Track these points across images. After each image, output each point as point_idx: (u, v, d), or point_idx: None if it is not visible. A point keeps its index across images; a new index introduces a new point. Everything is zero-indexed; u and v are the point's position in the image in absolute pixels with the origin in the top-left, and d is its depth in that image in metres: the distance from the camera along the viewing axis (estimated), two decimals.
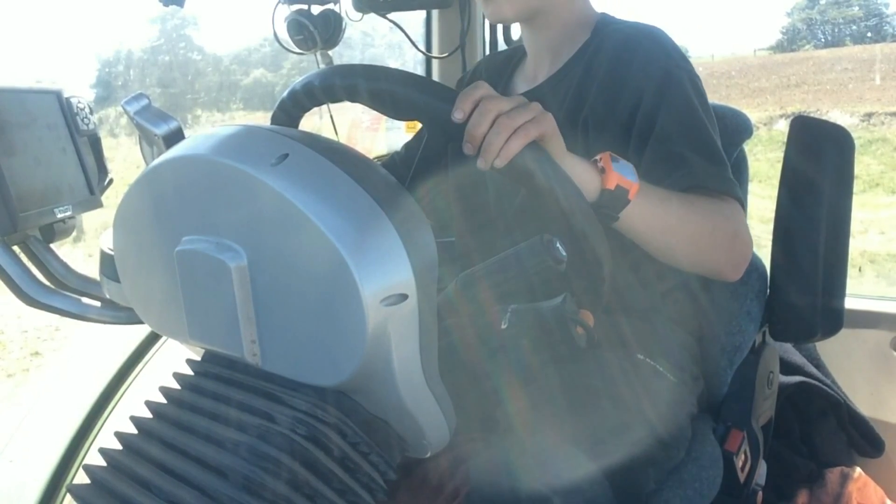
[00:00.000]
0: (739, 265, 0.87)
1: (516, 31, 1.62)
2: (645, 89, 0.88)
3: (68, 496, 1.17)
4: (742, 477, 1.00)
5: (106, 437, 1.23)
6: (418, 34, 1.75)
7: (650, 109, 0.88)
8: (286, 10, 1.42)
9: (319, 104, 0.76)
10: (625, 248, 0.84)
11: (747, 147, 1.14)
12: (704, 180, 0.84)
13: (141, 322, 0.75)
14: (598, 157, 0.75)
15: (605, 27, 0.99)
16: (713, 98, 0.97)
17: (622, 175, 0.73)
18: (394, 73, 0.67)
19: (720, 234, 0.84)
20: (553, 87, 1.00)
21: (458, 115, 0.64)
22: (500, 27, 1.68)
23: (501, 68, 1.12)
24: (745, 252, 0.87)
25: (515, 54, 1.12)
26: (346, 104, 0.73)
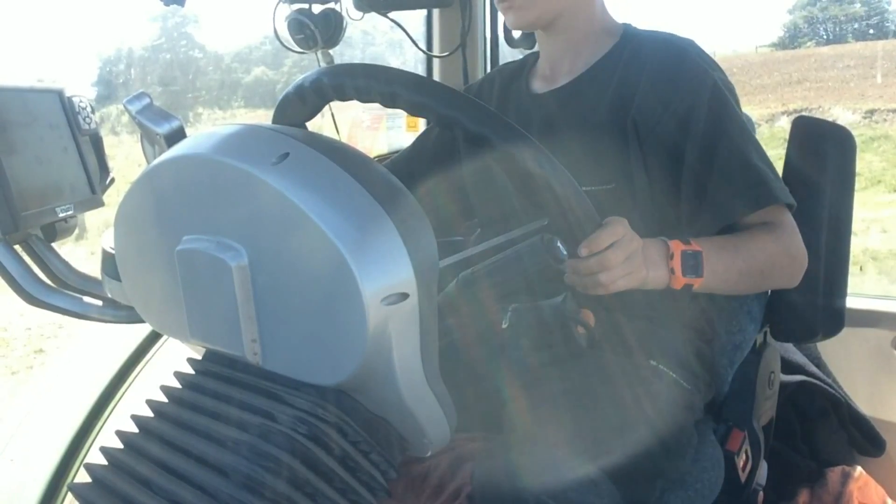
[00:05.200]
0: (795, 278, 0.96)
1: (517, 31, 1.61)
2: (696, 104, 0.93)
3: (69, 495, 1.17)
4: (743, 477, 1.00)
5: (107, 436, 1.23)
6: (419, 33, 1.75)
7: (706, 124, 0.93)
8: (287, 9, 1.43)
9: (322, 104, 0.76)
10: None
11: None
12: (780, 195, 0.92)
13: (142, 321, 0.75)
14: (671, 252, 0.85)
15: (634, 36, 1.04)
16: None
17: (688, 277, 0.85)
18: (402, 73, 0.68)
19: (778, 266, 0.93)
20: (582, 86, 1.03)
21: (583, 252, 0.75)
22: (500, 27, 1.67)
23: (515, 74, 1.15)
24: (800, 265, 0.95)
25: (528, 61, 1.16)
26: (345, 103, 0.73)
